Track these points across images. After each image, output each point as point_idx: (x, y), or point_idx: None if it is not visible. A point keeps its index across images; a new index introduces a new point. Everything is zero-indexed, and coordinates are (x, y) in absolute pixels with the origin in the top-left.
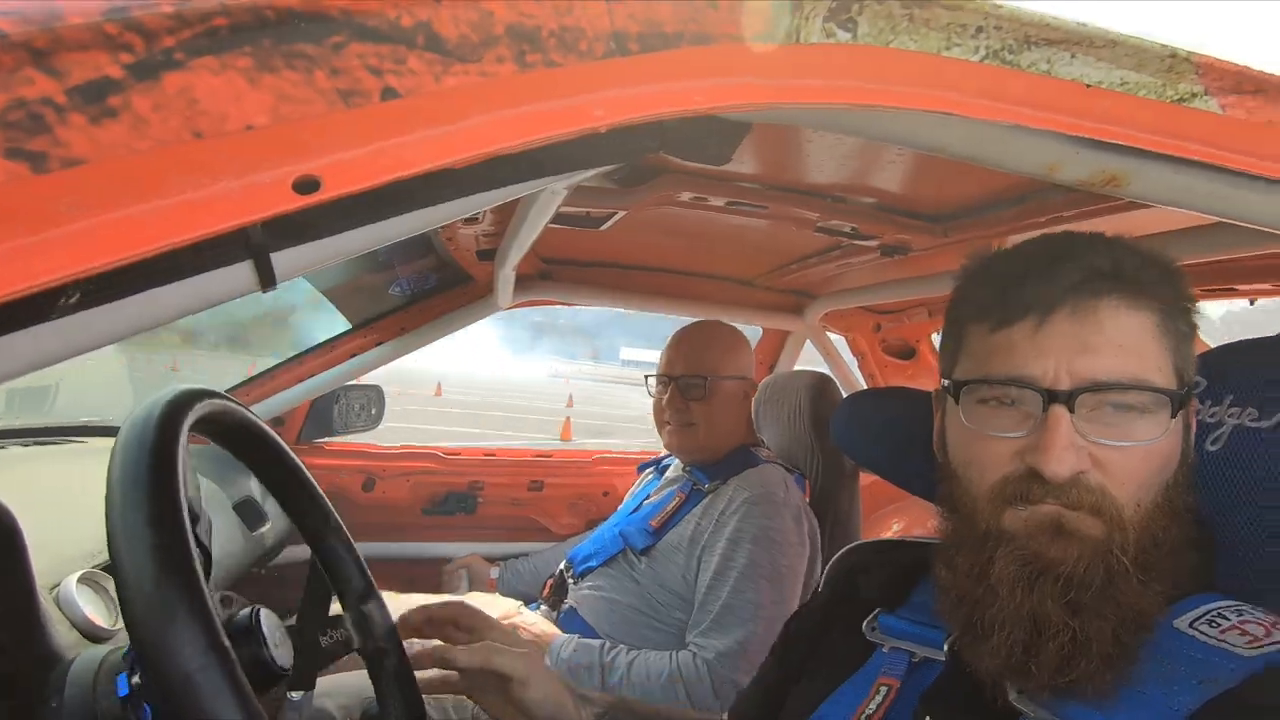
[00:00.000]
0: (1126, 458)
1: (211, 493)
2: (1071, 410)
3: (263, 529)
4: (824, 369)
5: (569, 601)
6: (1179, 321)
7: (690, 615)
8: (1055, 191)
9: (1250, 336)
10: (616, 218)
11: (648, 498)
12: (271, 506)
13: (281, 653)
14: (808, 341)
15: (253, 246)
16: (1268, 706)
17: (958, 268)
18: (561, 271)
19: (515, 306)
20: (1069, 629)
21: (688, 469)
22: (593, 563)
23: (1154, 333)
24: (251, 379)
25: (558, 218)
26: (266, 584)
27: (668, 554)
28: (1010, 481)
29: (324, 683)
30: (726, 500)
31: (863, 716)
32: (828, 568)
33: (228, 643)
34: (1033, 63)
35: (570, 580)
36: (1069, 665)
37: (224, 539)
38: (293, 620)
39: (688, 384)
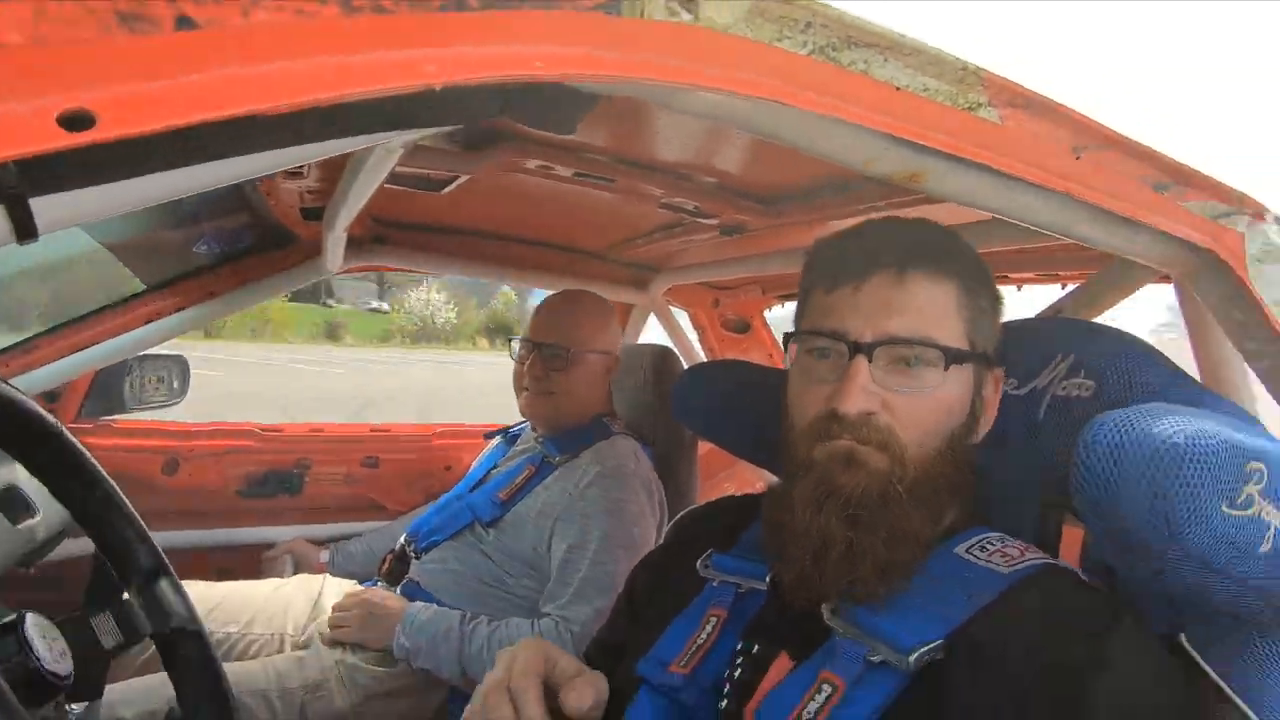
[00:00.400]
0: (913, 404)
1: None
2: (870, 360)
3: (30, 521)
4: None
5: (411, 576)
6: (979, 298)
7: (541, 585)
8: (871, 182)
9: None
10: (459, 181)
11: (495, 467)
12: (42, 495)
13: (56, 660)
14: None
15: (5, 190)
16: (1015, 608)
17: (788, 247)
18: (399, 236)
19: (347, 271)
20: (846, 540)
21: (539, 439)
22: (438, 536)
23: (953, 303)
24: (10, 348)
25: (394, 178)
26: (39, 585)
27: (517, 525)
28: (819, 420)
29: (118, 690)
30: (580, 473)
31: (694, 646)
32: (670, 524)
33: None
34: (853, 61)
35: (413, 555)
36: (848, 571)
37: None
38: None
39: (552, 353)
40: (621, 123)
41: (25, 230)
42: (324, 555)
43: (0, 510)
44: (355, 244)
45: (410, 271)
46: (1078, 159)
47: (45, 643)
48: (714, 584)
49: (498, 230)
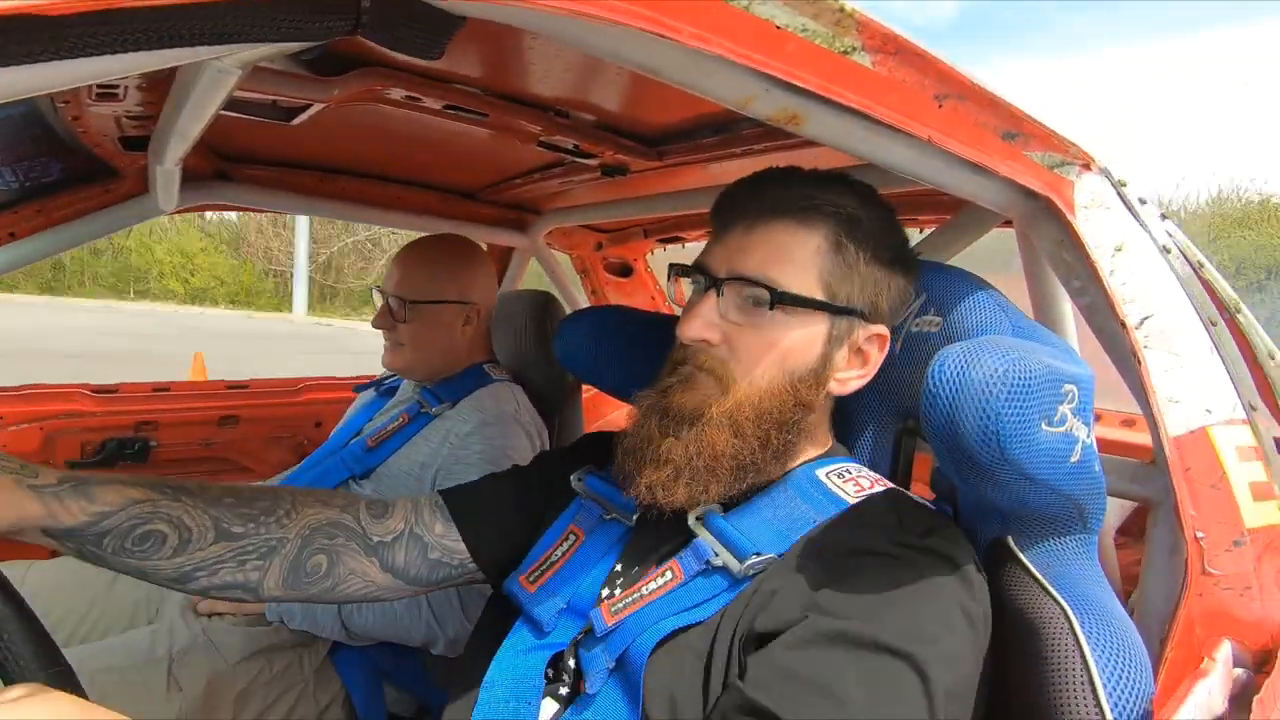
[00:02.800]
0: (748, 340)
1: None
2: (720, 294)
3: None
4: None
5: None
6: (851, 254)
7: None
8: (749, 124)
9: None
10: (312, 110)
11: (370, 420)
12: None
13: None
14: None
15: None
16: (844, 519)
17: (671, 189)
18: (244, 171)
19: (185, 210)
20: (657, 444)
21: (416, 389)
22: None
23: (808, 252)
24: None
25: (234, 105)
26: None
27: (396, 478)
28: (677, 348)
29: None
30: (461, 422)
31: (550, 560)
32: (578, 440)
33: None
34: None
35: None
36: (653, 471)
37: None
38: None
39: (397, 303)
40: (495, 51)
41: None
42: None
43: None
44: (193, 180)
45: (259, 211)
46: (940, 107)
47: None
48: (581, 500)
49: (361, 167)
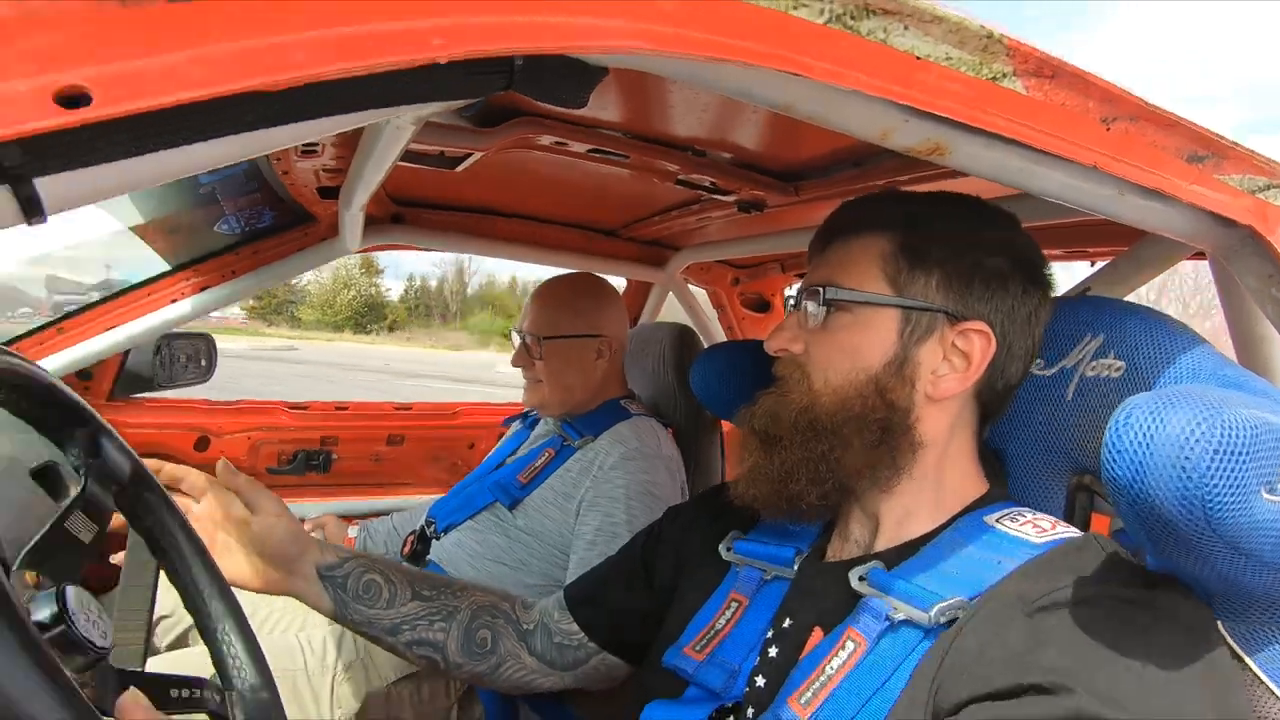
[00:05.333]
0: (821, 343)
1: (3, 460)
2: (799, 307)
3: (72, 495)
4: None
5: (431, 557)
6: (914, 253)
7: (564, 567)
8: (890, 156)
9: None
10: (473, 159)
11: (514, 452)
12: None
13: (95, 630)
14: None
15: (7, 170)
16: (1044, 565)
17: (808, 224)
18: (415, 215)
19: (366, 250)
20: (756, 445)
21: (557, 423)
22: (457, 517)
23: (875, 256)
24: (40, 327)
25: (409, 156)
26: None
27: (541, 508)
28: (772, 365)
29: (157, 662)
30: (602, 455)
31: (712, 631)
32: (697, 495)
33: (36, 635)
34: (871, 30)
35: (433, 535)
36: (758, 474)
37: (20, 512)
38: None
39: (532, 341)
40: (635, 97)
41: (32, 210)
42: (352, 531)
43: (44, 488)
44: (373, 223)
45: (426, 250)
46: (1107, 130)
47: (86, 615)
48: (738, 569)
49: (513, 209)
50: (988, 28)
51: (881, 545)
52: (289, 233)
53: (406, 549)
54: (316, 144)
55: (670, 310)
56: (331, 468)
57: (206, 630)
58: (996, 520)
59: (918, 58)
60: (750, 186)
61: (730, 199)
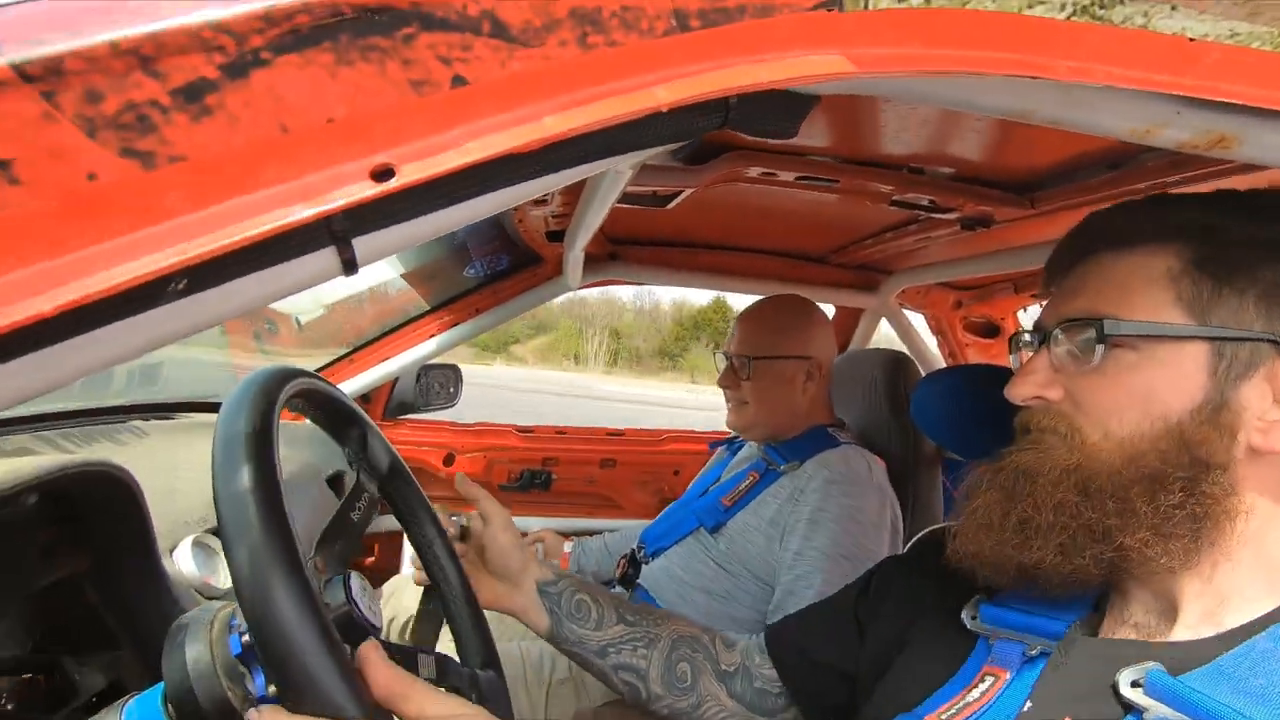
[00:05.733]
0: (1094, 388)
1: (304, 467)
2: (1051, 345)
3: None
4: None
5: (640, 582)
6: (1216, 270)
7: (768, 595)
8: (1154, 155)
9: None
10: (683, 195)
11: (718, 478)
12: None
13: (371, 612)
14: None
15: (335, 233)
16: None
17: (1047, 238)
18: (629, 251)
19: (585, 287)
20: (1003, 508)
21: (761, 448)
22: (664, 542)
23: (1161, 276)
24: (338, 359)
25: (624, 197)
26: (357, 554)
27: (745, 534)
28: (1019, 415)
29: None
30: (807, 479)
31: (961, 703)
32: (916, 538)
33: (321, 599)
34: (1127, 17)
35: (642, 560)
36: (1023, 543)
37: (318, 510)
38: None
39: (740, 362)
40: (845, 119)
41: (350, 265)
42: (568, 546)
43: (333, 490)
44: (591, 261)
45: (640, 284)
46: None
47: (364, 598)
48: (988, 640)
49: (721, 240)
50: None
51: (1181, 636)
52: (521, 273)
53: (620, 571)
54: (548, 194)
55: (881, 339)
56: (551, 487)
57: (446, 599)
58: None
59: (1191, 39)
60: (975, 201)
61: (952, 216)
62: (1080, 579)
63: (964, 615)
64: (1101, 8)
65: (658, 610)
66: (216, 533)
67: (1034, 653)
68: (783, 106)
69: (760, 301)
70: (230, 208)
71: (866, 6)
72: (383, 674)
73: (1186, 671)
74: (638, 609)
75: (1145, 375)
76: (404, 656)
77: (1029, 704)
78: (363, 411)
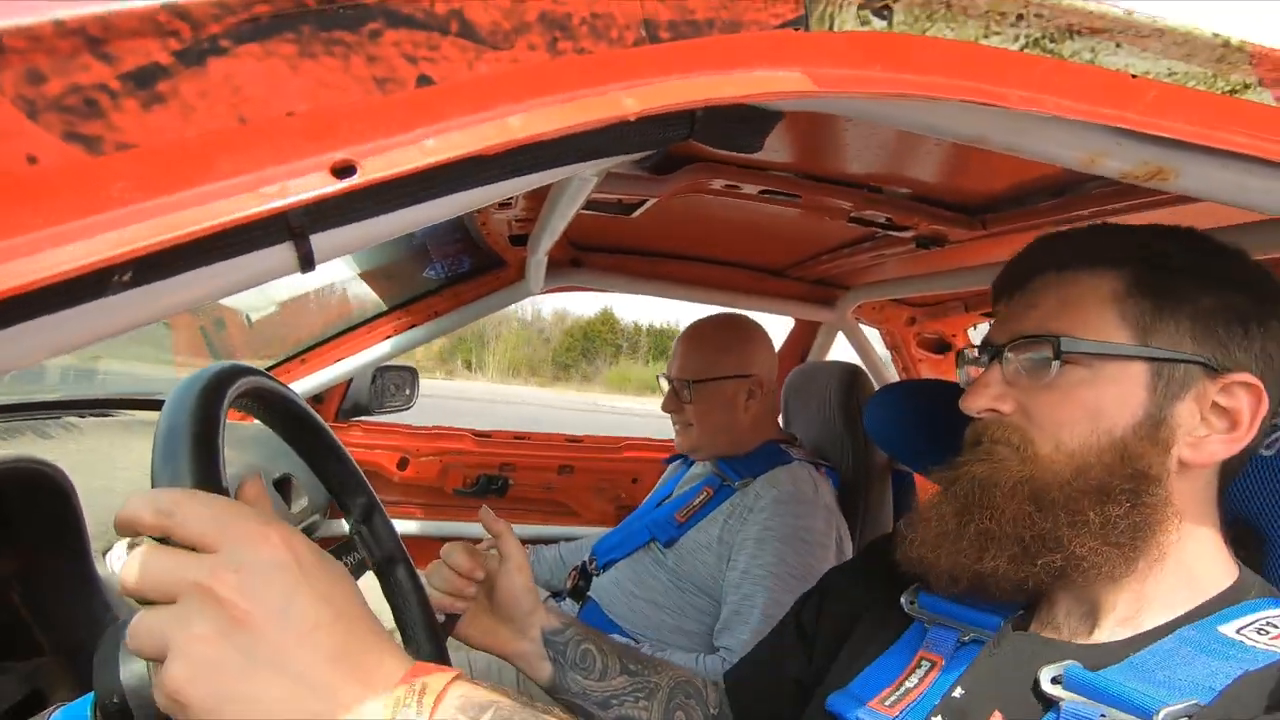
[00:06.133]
0: (1045, 403)
1: (249, 469)
2: (1002, 361)
3: (300, 503)
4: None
5: (591, 594)
6: (1158, 295)
7: (716, 613)
8: (1099, 183)
9: None
10: (647, 205)
11: (671, 492)
12: (308, 482)
13: None
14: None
15: (293, 229)
16: None
17: (996, 260)
18: (593, 258)
19: (546, 292)
20: (935, 515)
21: (715, 464)
22: (616, 554)
23: (1107, 297)
24: (290, 357)
25: (589, 204)
26: None
27: (695, 551)
28: (971, 427)
29: None
30: (754, 498)
31: (902, 688)
32: (866, 545)
33: None
34: (1075, 52)
35: (594, 571)
36: (921, 538)
37: None
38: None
39: (680, 385)
40: (807, 137)
41: (307, 261)
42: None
43: (279, 493)
44: (554, 266)
45: (602, 291)
46: None
47: None
48: (924, 626)
49: (685, 251)
50: (1224, 35)
51: (1100, 638)
52: (483, 277)
53: (570, 583)
54: (513, 197)
55: (838, 352)
56: (508, 493)
57: (397, 610)
58: (1236, 631)
59: (1133, 76)
60: (930, 221)
61: (908, 235)
62: (1026, 586)
63: (903, 600)
64: (1052, 41)
65: (655, 659)
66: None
67: (966, 639)
68: (747, 121)
69: (698, 322)
70: (182, 198)
71: (831, 28)
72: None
73: (1102, 668)
74: (639, 657)
75: (1094, 391)
76: None
77: (959, 689)
78: (367, 483)
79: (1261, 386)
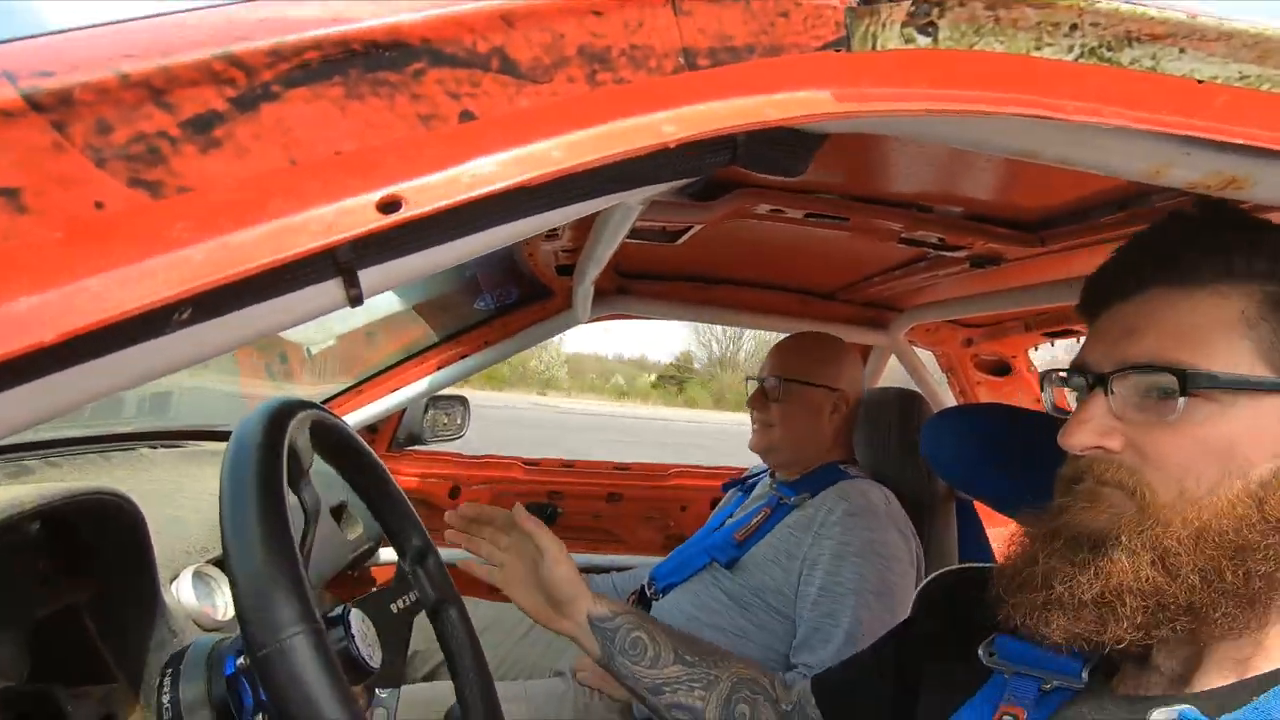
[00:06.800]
0: (1166, 441)
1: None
2: (1109, 391)
3: (355, 531)
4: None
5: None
6: None
7: (783, 627)
8: (1164, 195)
9: None
10: (692, 231)
11: (730, 516)
12: (363, 512)
13: (369, 650)
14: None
15: (341, 265)
16: None
17: (1057, 277)
18: (639, 286)
19: (593, 320)
20: (1041, 572)
21: (774, 485)
22: (675, 578)
23: (1235, 321)
24: (347, 389)
25: (634, 232)
26: (359, 585)
27: (761, 566)
28: (1069, 463)
29: (407, 691)
30: (825, 512)
31: None
32: (920, 590)
33: (320, 619)
34: (1135, 59)
35: (652, 596)
36: (1037, 603)
37: (320, 542)
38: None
39: (770, 384)
40: (853, 158)
41: (355, 297)
42: None
43: (335, 521)
44: (600, 295)
45: (649, 319)
46: None
47: (363, 633)
48: (1004, 676)
49: (730, 275)
50: None
51: (1203, 685)
52: (531, 307)
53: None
54: (558, 227)
55: (891, 377)
56: (557, 520)
57: (450, 657)
58: None
59: (1200, 81)
60: (985, 240)
61: (961, 254)
62: (1140, 645)
63: (980, 651)
64: (1109, 50)
65: (719, 650)
66: (218, 563)
67: (1049, 688)
68: (790, 145)
69: (796, 334)
70: (236, 238)
71: (874, 47)
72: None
73: (1222, 714)
74: (700, 648)
75: (1226, 430)
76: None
77: None
78: (422, 525)
79: None
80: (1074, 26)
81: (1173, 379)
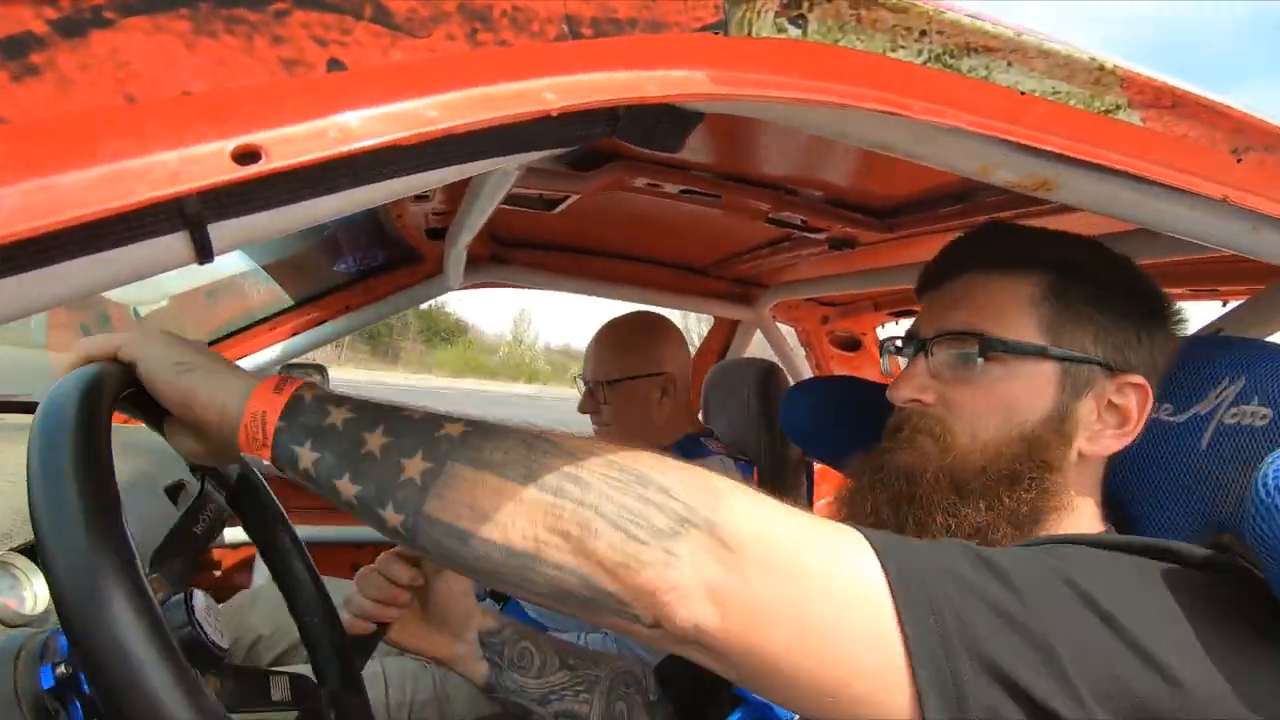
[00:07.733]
0: (966, 396)
1: (139, 475)
2: (929, 354)
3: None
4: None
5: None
6: (1070, 300)
7: None
8: (993, 191)
9: None
10: (569, 201)
11: None
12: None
13: (216, 634)
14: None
15: (189, 217)
16: None
17: (903, 262)
18: (514, 254)
19: (465, 288)
20: (893, 516)
21: None
22: None
23: (1022, 299)
24: None
25: (509, 199)
26: (201, 568)
27: None
28: (894, 414)
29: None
30: None
31: None
32: None
33: (160, 610)
34: (972, 68)
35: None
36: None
37: (153, 524)
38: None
39: (595, 388)
40: (728, 139)
41: (204, 252)
42: None
43: (172, 502)
44: (474, 262)
45: (524, 288)
46: (1239, 161)
47: (209, 617)
48: None
49: (607, 248)
50: (1099, 60)
51: None
52: (398, 271)
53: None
54: (430, 190)
55: (755, 350)
56: None
57: (304, 627)
58: None
59: (1021, 93)
60: (842, 224)
61: (821, 236)
62: None
63: None
64: (952, 57)
65: (595, 652)
66: (24, 551)
67: None
68: (669, 121)
69: (610, 323)
70: (62, 180)
71: (749, 34)
72: None
73: None
74: (579, 651)
75: (1011, 386)
76: (255, 679)
77: None
78: (276, 501)
79: (1148, 387)
80: (923, 33)
81: (975, 344)
